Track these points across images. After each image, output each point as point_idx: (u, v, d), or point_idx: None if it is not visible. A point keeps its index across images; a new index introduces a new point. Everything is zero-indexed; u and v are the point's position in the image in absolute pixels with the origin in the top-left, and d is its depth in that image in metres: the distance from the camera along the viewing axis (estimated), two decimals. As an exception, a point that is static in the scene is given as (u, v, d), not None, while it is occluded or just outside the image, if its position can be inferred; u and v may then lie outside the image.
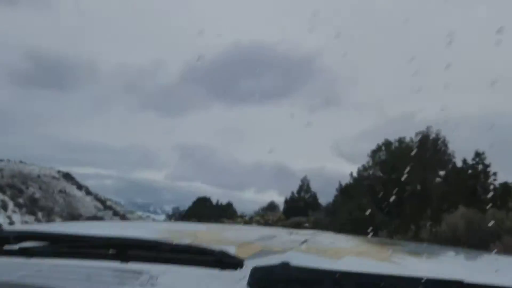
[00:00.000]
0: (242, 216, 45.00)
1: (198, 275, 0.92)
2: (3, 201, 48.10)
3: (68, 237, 1.14)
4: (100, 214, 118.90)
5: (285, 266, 0.83)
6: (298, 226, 34.64)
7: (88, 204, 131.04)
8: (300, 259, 0.99)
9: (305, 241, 1.32)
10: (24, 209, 50.64)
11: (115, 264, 0.98)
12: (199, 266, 0.95)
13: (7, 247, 1.08)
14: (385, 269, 1.00)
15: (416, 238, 8.73)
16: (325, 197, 42.03)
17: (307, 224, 33.76)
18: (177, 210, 49.81)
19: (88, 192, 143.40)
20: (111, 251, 1.03)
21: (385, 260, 1.13)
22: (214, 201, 46.94)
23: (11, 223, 47.30)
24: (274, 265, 0.84)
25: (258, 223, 39.70)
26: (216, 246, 1.02)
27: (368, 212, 14.49)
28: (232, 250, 1.04)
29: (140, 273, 0.93)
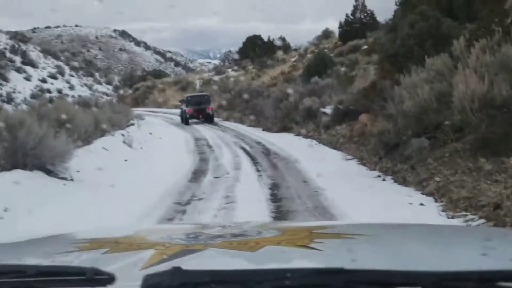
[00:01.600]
0: (296, 49, 42.22)
1: None
2: (58, 66, 47.97)
3: None
4: (162, 66, 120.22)
5: (175, 272, 0.82)
6: (356, 49, 31.75)
7: (149, 58, 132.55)
8: (214, 257, 1.06)
9: (232, 234, 1.33)
10: (80, 72, 50.66)
11: None
12: None
13: None
14: (297, 258, 1.06)
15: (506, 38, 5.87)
16: (384, 14, 37.42)
17: (365, 46, 30.82)
18: (229, 53, 47.46)
19: (147, 47, 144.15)
20: None
21: (303, 247, 1.13)
22: (265, 38, 43.69)
23: (71, 87, 47.68)
24: (165, 272, 0.83)
25: (313, 53, 36.76)
26: (90, 263, 0.99)
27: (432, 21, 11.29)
28: (147, 255, 1.04)
29: None
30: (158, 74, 47.54)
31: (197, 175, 8.91)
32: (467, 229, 1.83)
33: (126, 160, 10.63)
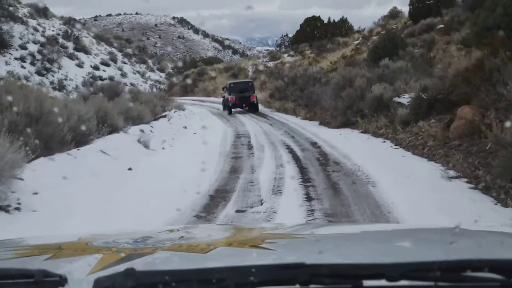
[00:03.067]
0: (359, 31, 37.97)
1: None
2: (110, 53, 46.57)
3: None
4: (220, 54, 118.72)
5: (128, 273, 0.79)
6: (431, 28, 27.31)
7: (207, 46, 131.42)
8: (165, 259, 1.02)
9: (181, 238, 1.28)
10: (133, 59, 49.05)
11: None
12: None
13: None
14: (250, 257, 1.04)
15: None
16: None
17: (441, 26, 26.41)
18: (285, 37, 43.94)
19: (206, 35, 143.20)
20: None
21: (255, 247, 1.11)
22: (325, 20, 39.76)
23: (123, 74, 46.19)
24: (117, 274, 0.79)
25: (379, 35, 32.53)
26: (38, 265, 0.96)
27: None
28: (95, 260, 1.01)
29: None
30: (210, 61, 45.02)
31: (215, 201, 5.77)
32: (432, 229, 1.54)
33: (130, 169, 7.72)
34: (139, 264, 0.93)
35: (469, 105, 8.11)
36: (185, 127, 14.08)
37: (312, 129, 13.08)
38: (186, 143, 11.03)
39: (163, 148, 10.16)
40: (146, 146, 9.54)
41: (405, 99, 12.01)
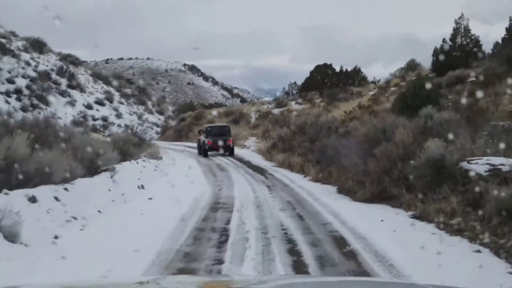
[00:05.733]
0: (374, 82, 33.84)
1: None
2: (107, 92, 42.68)
3: None
4: (228, 102, 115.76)
5: None
6: (461, 81, 23.09)
7: (215, 94, 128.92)
8: None
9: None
10: (131, 100, 45.02)
11: None
12: None
13: None
14: None
15: None
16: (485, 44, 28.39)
17: (473, 78, 22.15)
18: (294, 85, 39.95)
19: (215, 82, 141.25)
20: None
21: None
22: (337, 68, 35.77)
23: (119, 115, 42.08)
24: None
25: (397, 85, 28.24)
26: None
27: None
28: None
29: None
30: (212, 106, 40.84)
31: None
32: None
33: None
34: None
35: None
36: (141, 187, 9.36)
37: (330, 202, 8.29)
38: (114, 225, 6.18)
39: (81, 229, 5.35)
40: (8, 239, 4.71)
41: (480, 165, 7.33)
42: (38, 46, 41.06)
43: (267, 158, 17.31)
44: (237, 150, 20.91)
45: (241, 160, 17.29)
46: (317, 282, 1.56)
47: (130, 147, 13.97)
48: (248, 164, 15.83)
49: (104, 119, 39.76)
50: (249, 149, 21.39)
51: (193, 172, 13.62)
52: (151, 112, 46.55)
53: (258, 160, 17.14)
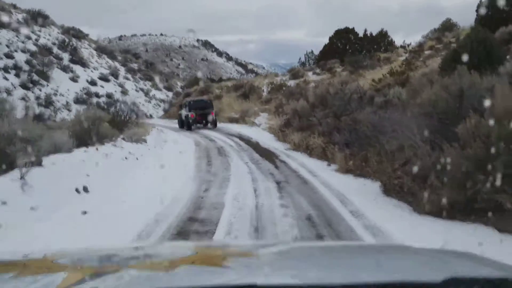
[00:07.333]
0: (404, 46, 29.56)
1: None
2: (112, 67, 39.28)
3: None
4: (242, 77, 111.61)
5: None
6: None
7: (230, 69, 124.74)
8: (129, 278, 0.96)
9: (145, 256, 1.23)
10: (138, 75, 41.56)
11: None
12: None
13: None
14: (211, 276, 0.98)
15: None
16: None
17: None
18: (311, 54, 35.88)
19: (229, 58, 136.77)
20: None
21: (216, 266, 1.06)
22: (360, 33, 31.54)
23: (124, 91, 38.74)
24: None
25: (433, 48, 24.04)
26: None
27: None
28: (59, 278, 0.93)
29: None
30: (220, 79, 37.14)
31: None
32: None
33: None
34: (103, 284, 0.88)
35: None
36: (81, 190, 5.94)
37: (379, 219, 4.72)
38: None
39: None
40: None
41: None
42: (39, 18, 37.67)
43: (279, 139, 13.72)
44: (245, 129, 17.36)
45: (248, 141, 13.75)
46: (319, 246, 1.53)
47: (101, 128, 10.57)
48: (255, 147, 12.28)
49: (109, 96, 36.53)
50: (260, 127, 17.78)
51: (182, 160, 10.14)
52: (158, 89, 43.07)
53: (269, 141, 13.57)
